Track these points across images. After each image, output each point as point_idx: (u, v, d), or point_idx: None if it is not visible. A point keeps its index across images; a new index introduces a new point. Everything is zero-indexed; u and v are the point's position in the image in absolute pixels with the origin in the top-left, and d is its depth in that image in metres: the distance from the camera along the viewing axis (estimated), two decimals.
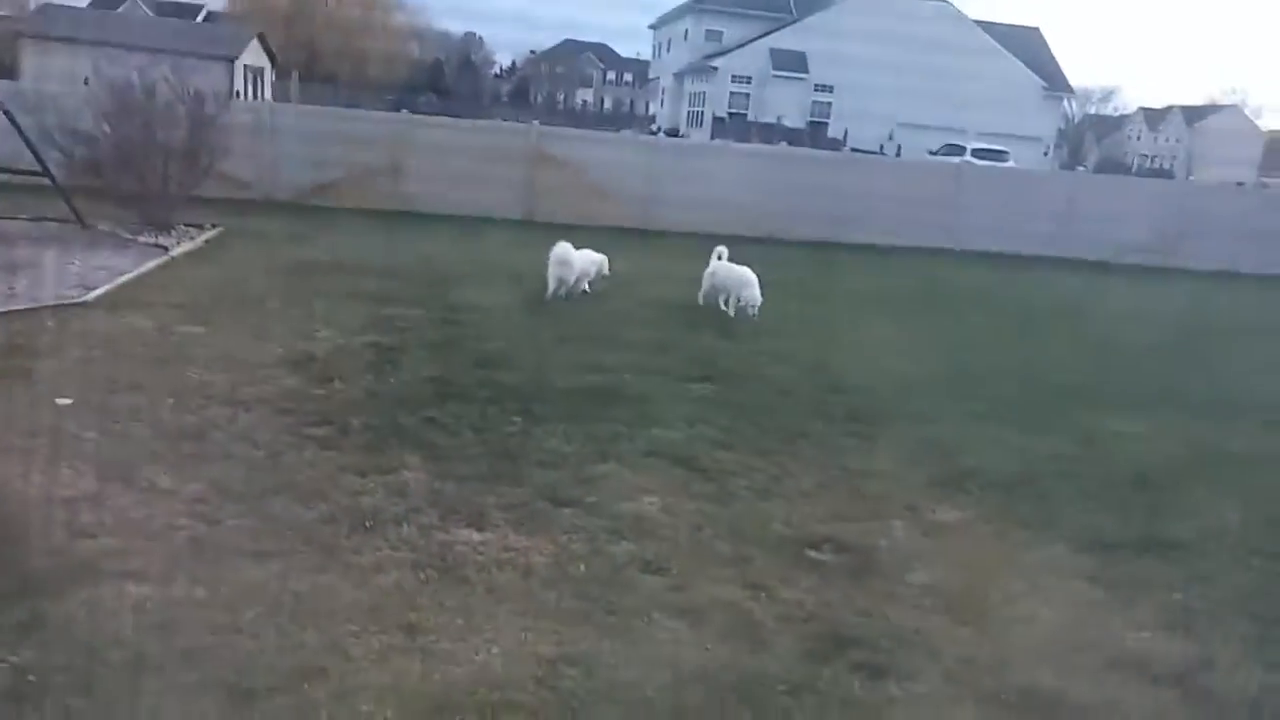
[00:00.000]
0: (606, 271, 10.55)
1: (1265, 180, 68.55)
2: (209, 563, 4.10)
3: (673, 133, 44.94)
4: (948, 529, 5.18)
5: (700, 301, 10.27)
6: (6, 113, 11.74)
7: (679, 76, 56.29)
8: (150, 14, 50.82)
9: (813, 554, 4.71)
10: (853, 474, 5.86)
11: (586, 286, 10.45)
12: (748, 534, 4.86)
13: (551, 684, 3.48)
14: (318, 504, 4.74)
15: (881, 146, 41.77)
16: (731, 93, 49.56)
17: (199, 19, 51.29)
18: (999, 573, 4.69)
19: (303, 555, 4.23)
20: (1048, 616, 4.30)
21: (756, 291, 9.65)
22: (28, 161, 11.77)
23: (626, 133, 36.24)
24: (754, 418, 6.76)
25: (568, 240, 10.06)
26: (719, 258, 10.18)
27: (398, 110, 19.39)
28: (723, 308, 10.02)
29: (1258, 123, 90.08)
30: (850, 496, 5.51)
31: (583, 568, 4.35)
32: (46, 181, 11.91)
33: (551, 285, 9.95)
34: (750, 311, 9.64)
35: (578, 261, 10.09)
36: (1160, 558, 5.01)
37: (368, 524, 4.58)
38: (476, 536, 4.56)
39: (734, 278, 9.92)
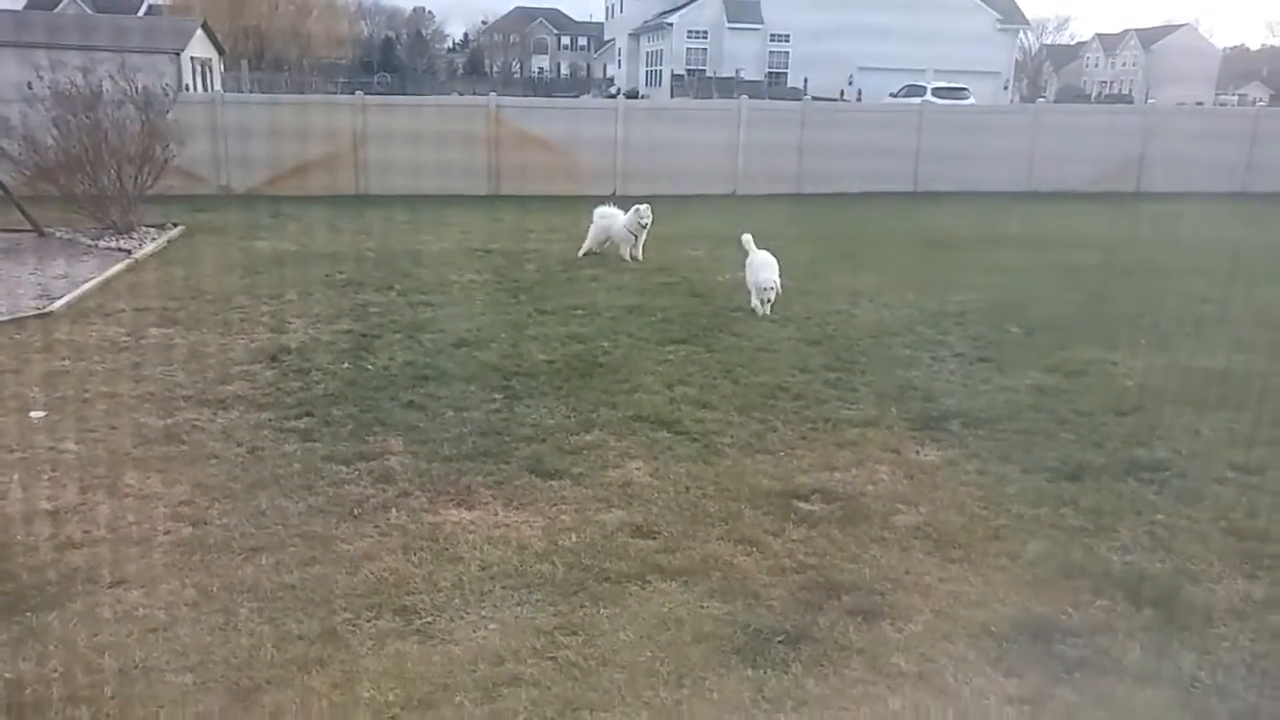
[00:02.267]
0: (645, 220, 10.71)
1: (1223, 97, 68.97)
2: (199, 563, 4.10)
3: (632, 94, 44.48)
4: (931, 469, 5.24)
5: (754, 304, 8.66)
6: None
7: (634, 36, 55.68)
8: (89, 11, 49.55)
9: (801, 505, 4.76)
10: (835, 423, 5.90)
11: (628, 255, 10.82)
12: (735, 491, 4.90)
13: (551, 654, 3.50)
14: (304, 496, 4.74)
15: (842, 92, 41.56)
16: (688, 48, 49.06)
17: (140, 13, 50.07)
18: (983, 508, 4.76)
19: (293, 548, 4.23)
20: (1034, 547, 4.37)
21: (772, 275, 8.53)
22: None
23: (586, 97, 35.86)
24: (734, 375, 6.79)
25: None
26: (753, 245, 8.98)
27: (352, 92, 19.04)
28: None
29: (1213, 40, 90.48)
30: (834, 445, 5.55)
31: (574, 538, 4.37)
32: None
33: (591, 244, 11.20)
34: (767, 296, 8.45)
35: (604, 221, 11.06)
36: (1140, 481, 5.09)
37: (356, 512, 4.58)
38: (466, 515, 4.57)
39: (758, 262, 8.76)
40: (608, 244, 11.15)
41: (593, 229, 11.19)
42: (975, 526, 4.56)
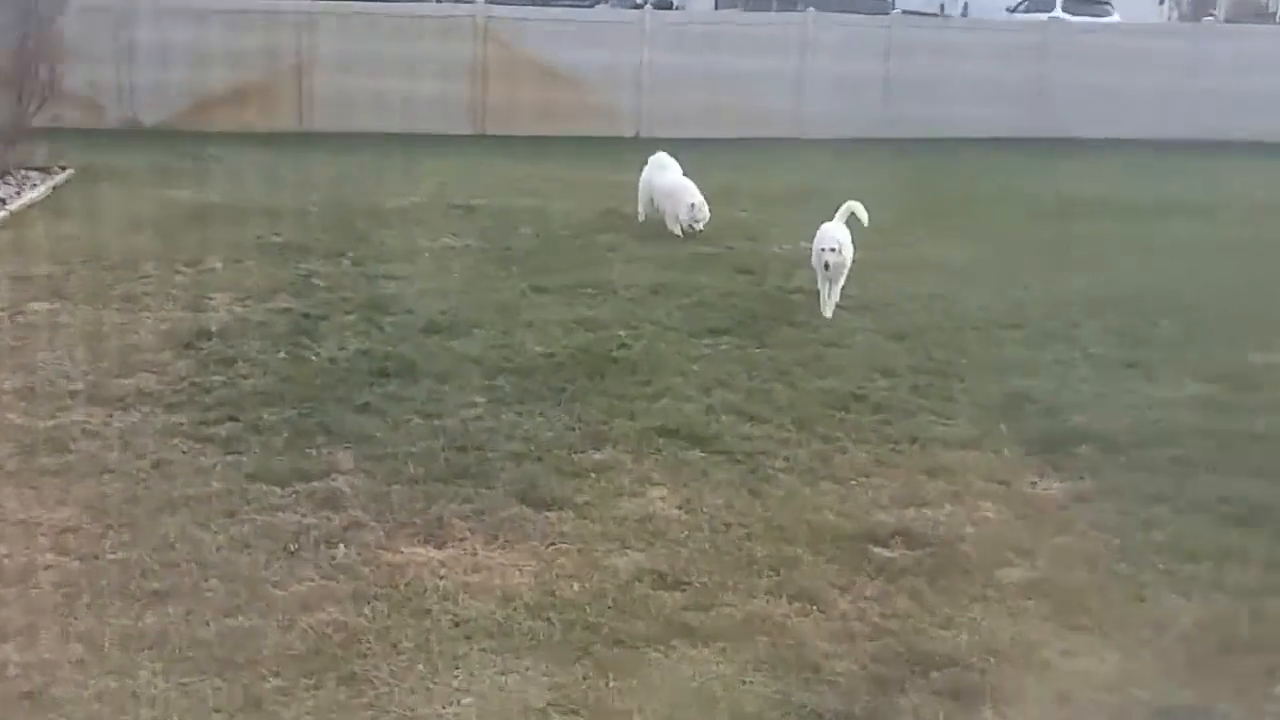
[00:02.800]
0: (699, 225, 10.58)
1: None
2: (87, 610, 4.12)
3: (663, 5, 44.44)
4: (1053, 508, 5.21)
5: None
6: None
7: None
8: None
9: (878, 551, 4.75)
10: (924, 443, 5.89)
11: (678, 229, 10.65)
12: (790, 531, 4.89)
13: None
14: (226, 525, 4.77)
15: (943, 6, 41.36)
16: None
17: None
18: (1121, 560, 4.72)
19: (210, 593, 4.25)
20: (1188, 614, 4.33)
21: (838, 235, 8.24)
22: None
23: (601, 8, 35.87)
24: (791, 378, 6.78)
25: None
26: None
27: None
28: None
29: None
30: (923, 473, 5.53)
31: (576, 587, 4.37)
32: None
33: (640, 207, 11.23)
34: (828, 261, 8.12)
35: (650, 172, 11.11)
36: None
37: (291, 547, 4.60)
38: (435, 555, 4.59)
39: (824, 227, 8.46)
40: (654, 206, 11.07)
41: (641, 184, 11.18)
42: (1109, 585, 4.54)
